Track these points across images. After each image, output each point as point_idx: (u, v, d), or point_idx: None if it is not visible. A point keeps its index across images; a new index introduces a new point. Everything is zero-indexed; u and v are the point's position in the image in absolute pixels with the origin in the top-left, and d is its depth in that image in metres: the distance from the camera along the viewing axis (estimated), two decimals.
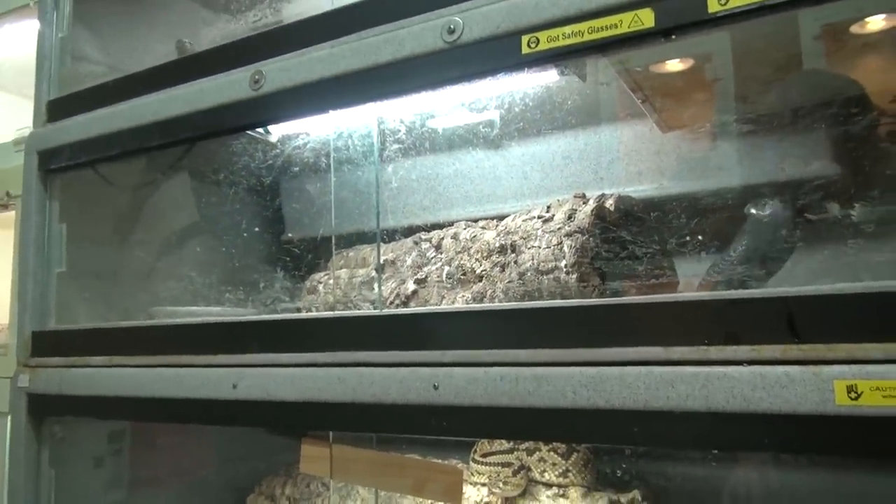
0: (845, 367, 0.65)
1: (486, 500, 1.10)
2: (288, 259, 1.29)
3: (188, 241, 1.41)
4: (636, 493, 1.03)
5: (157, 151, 1.20)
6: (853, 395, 0.64)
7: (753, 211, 0.87)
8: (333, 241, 1.10)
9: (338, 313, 0.98)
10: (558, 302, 0.87)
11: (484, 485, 1.10)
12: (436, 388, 0.85)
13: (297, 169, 1.29)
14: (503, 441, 1.18)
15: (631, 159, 1.32)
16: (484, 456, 1.16)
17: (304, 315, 1.06)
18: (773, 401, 0.67)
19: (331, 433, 0.97)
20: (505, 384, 0.81)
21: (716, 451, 0.89)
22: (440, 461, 0.91)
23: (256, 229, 1.40)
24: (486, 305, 0.97)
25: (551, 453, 1.11)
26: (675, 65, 1.20)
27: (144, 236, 1.39)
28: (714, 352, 0.71)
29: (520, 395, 0.80)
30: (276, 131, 1.36)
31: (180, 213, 1.44)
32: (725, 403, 0.70)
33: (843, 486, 1.22)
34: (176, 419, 1.06)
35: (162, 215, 1.42)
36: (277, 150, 1.29)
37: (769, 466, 1.23)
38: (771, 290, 0.72)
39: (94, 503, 1.42)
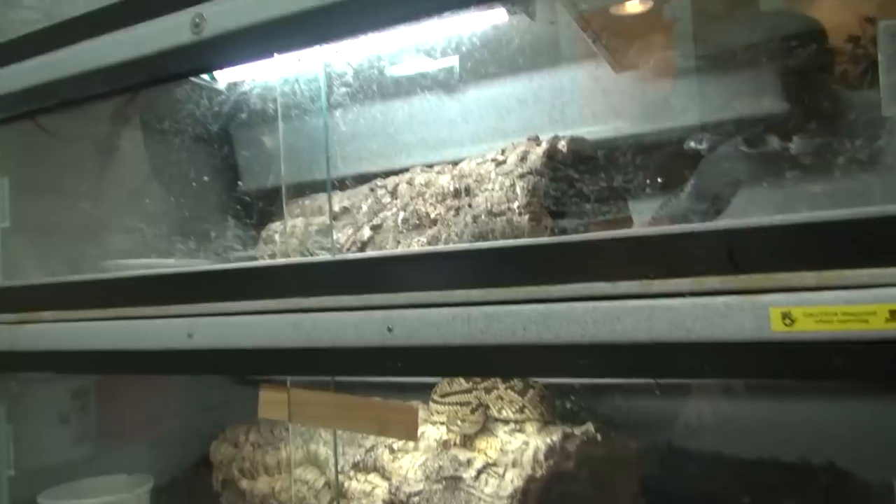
0: (781, 296, 0.68)
1: (445, 438, 1.12)
2: (240, 208, 1.28)
3: (137, 193, 1.38)
4: (589, 426, 1.07)
5: (99, 101, 1.16)
6: (787, 321, 0.67)
7: (693, 145, 0.88)
8: (284, 190, 1.09)
9: (290, 260, 0.98)
10: (508, 242, 0.88)
11: (443, 423, 1.13)
12: (390, 330, 0.86)
13: (245, 116, 1.26)
14: (462, 381, 1.20)
15: (586, 101, 1.32)
16: (443, 396, 1.19)
17: (257, 263, 1.05)
18: (713, 330, 0.70)
19: (288, 379, 0.98)
20: (457, 323, 0.82)
21: (660, 382, 0.92)
22: (397, 401, 0.92)
23: (206, 178, 1.37)
24: (436, 248, 0.98)
25: (508, 391, 1.13)
26: (632, 5, 1.20)
27: (92, 189, 1.36)
28: (658, 285, 0.73)
29: (472, 334, 0.82)
30: (224, 78, 1.32)
31: (127, 164, 1.40)
32: (668, 334, 0.72)
33: (784, 414, 1.28)
34: (132, 370, 1.06)
35: (108, 166, 1.39)
36: (224, 97, 1.26)
37: (713, 397, 1.28)
38: (712, 223, 0.74)
39: (61, 458, 1.43)
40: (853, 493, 1.16)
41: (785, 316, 0.67)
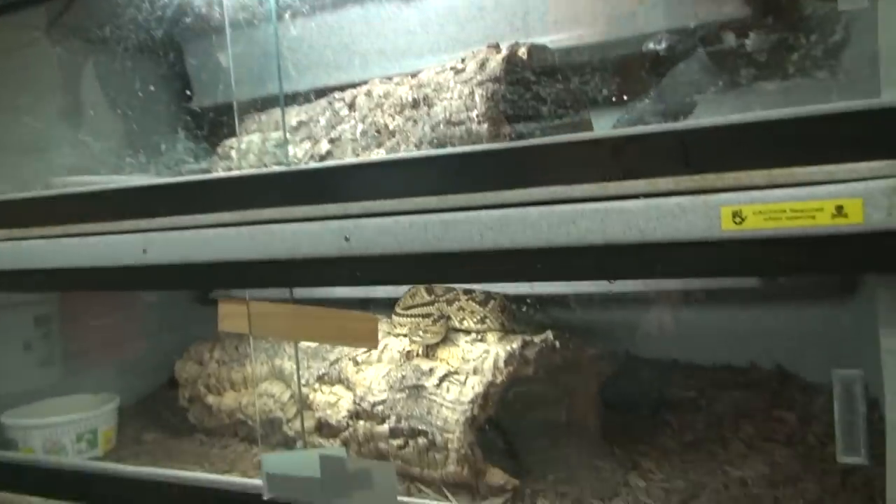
0: (732, 195, 0.68)
1: (408, 349, 1.14)
2: (191, 119, 1.23)
3: (80, 106, 1.32)
4: (549, 333, 1.09)
5: (32, 6, 1.10)
6: (738, 219, 0.68)
7: (651, 46, 0.86)
8: (235, 104, 1.05)
9: (245, 172, 0.95)
10: (463, 148, 0.87)
11: (406, 335, 1.14)
12: (347, 239, 0.86)
13: (191, 20, 1.19)
14: (424, 294, 1.21)
15: (548, 7, 1.28)
16: (405, 309, 1.20)
17: (211, 175, 1.03)
18: (665, 230, 0.70)
19: (247, 292, 0.97)
20: (414, 231, 0.82)
21: (613, 281, 0.93)
22: (357, 311, 0.93)
23: (152, 88, 1.31)
24: (391, 156, 0.96)
25: (469, 302, 1.15)
26: None
27: (32, 102, 1.29)
28: (613, 187, 0.73)
29: (429, 242, 0.81)
30: None
31: (68, 76, 1.33)
32: (622, 236, 0.72)
33: (736, 322, 1.32)
34: (86, 287, 1.05)
35: (48, 79, 1.32)
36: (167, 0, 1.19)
37: (668, 307, 1.32)
38: (666, 125, 0.73)
39: (27, 383, 1.43)
40: (796, 391, 1.22)
41: (735, 214, 0.68)
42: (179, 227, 0.96)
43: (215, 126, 1.24)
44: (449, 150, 0.88)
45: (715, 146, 0.70)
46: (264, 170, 0.96)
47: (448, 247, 0.80)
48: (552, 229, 0.75)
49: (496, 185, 0.78)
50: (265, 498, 0.94)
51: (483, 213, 0.79)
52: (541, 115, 0.96)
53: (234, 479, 1.02)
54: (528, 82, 0.99)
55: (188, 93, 1.35)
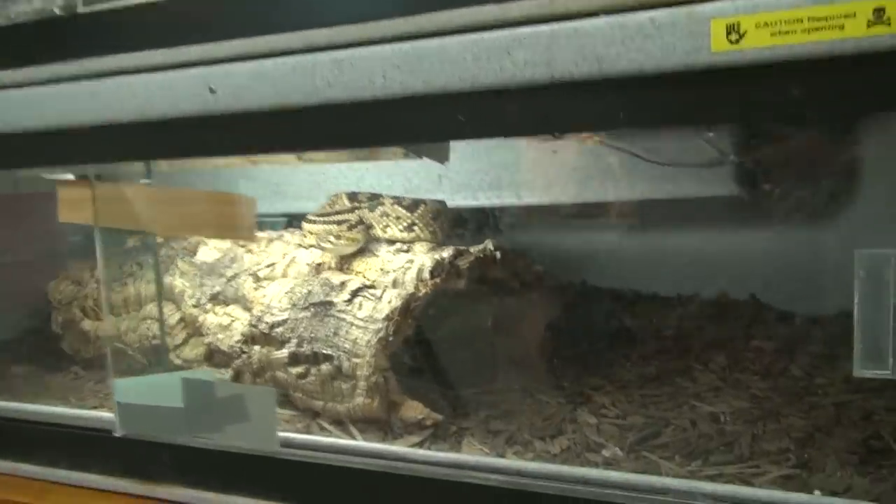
0: (725, 2, 0.48)
1: (318, 261, 0.94)
2: None
3: None
4: (488, 243, 0.89)
5: None
6: (734, 36, 0.48)
7: None
8: None
9: (79, 9, 0.72)
10: None
11: (316, 246, 0.94)
12: (212, 91, 0.64)
13: None
14: (345, 201, 1.00)
15: None
16: (320, 217, 0.99)
17: (33, 16, 0.79)
18: (633, 57, 0.51)
19: (91, 170, 0.75)
20: (298, 76, 0.61)
21: (559, 136, 0.74)
22: (229, 192, 0.72)
23: None
24: None
25: (395, 207, 0.94)
26: None
27: None
28: (561, 3, 0.53)
29: (317, 89, 0.61)
30: None
31: None
32: (573, 68, 0.52)
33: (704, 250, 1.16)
34: None
35: None
36: None
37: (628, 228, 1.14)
38: None
39: None
40: (773, 320, 1.05)
41: (731, 29, 0.48)
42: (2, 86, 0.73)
43: None
44: None
45: None
46: (103, 5, 0.72)
47: (342, 94, 0.60)
48: (479, 64, 0.55)
49: (404, 10, 0.57)
50: (117, 434, 0.74)
51: (387, 47, 0.58)
52: None
53: (81, 413, 0.81)
54: None
55: None
